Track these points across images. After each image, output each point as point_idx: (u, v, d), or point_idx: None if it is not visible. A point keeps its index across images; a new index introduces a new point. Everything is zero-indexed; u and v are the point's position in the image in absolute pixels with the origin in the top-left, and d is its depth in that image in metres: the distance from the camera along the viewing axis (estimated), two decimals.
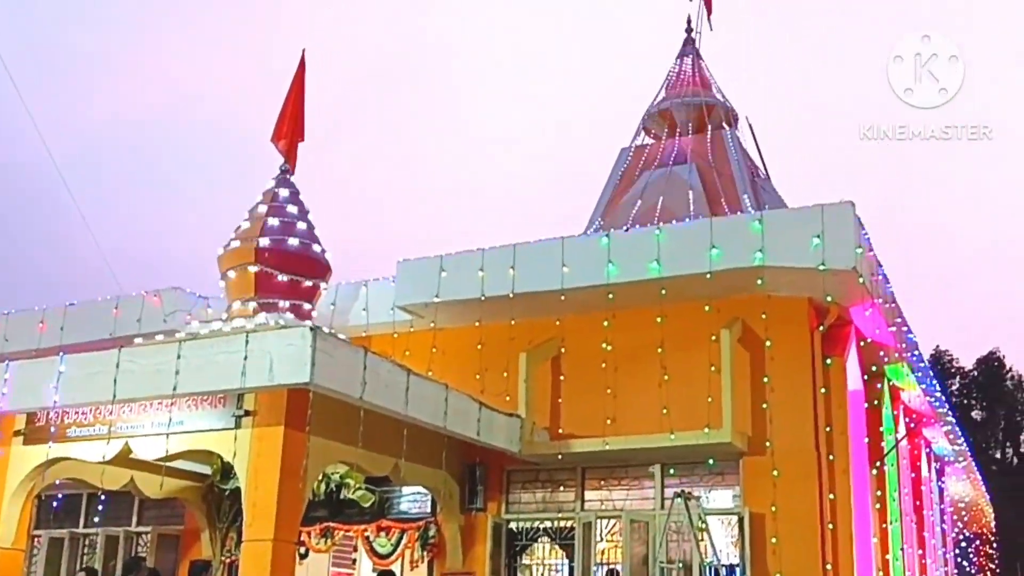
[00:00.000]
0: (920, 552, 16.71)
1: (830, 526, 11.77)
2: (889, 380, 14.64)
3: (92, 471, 12.16)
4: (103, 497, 14.89)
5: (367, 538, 13.72)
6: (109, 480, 12.73)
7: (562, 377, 13.23)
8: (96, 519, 15.33)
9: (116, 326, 14.92)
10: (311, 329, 9.90)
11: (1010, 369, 41.69)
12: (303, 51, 13.76)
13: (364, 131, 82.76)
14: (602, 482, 13.07)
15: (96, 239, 15.56)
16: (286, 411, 10.24)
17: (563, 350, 13.25)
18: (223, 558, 13.33)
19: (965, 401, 40.98)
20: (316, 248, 13.10)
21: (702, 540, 11.80)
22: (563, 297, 12.58)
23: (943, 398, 17.46)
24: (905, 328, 13.92)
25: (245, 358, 9.80)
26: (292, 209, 13.05)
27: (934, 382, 16.55)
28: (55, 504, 15.52)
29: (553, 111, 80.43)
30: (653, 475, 12.71)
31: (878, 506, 13.34)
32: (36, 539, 15.55)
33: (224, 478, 12.71)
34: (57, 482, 13.04)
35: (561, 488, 13.23)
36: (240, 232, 13.03)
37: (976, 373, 41.44)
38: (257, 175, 13.67)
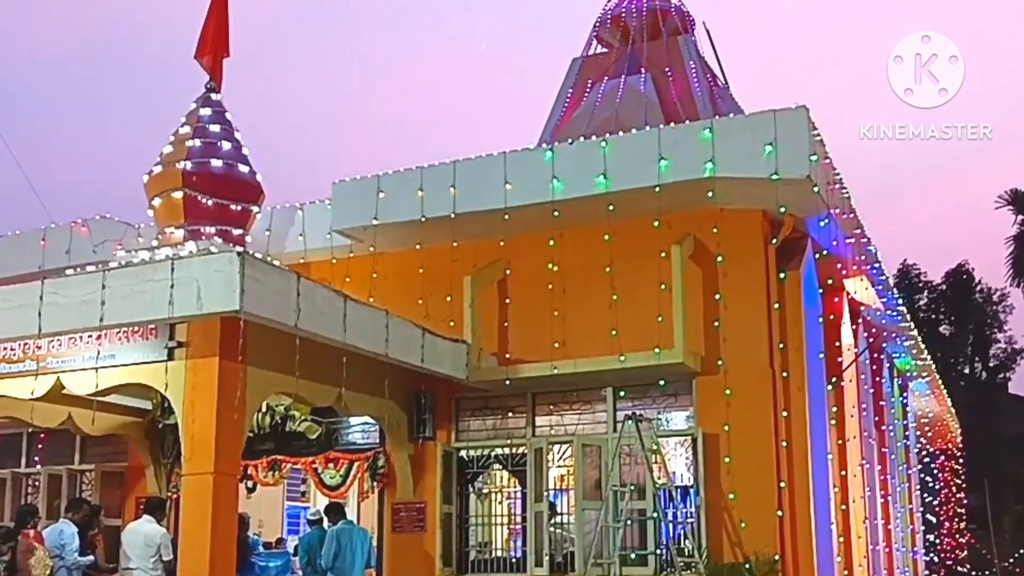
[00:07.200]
0: (880, 468, 16.61)
1: (784, 444, 11.48)
2: (848, 294, 14.28)
3: (25, 408, 11.73)
4: (43, 435, 14.61)
5: (315, 470, 13.36)
6: (45, 417, 12.34)
7: (508, 300, 12.75)
8: (37, 458, 15.02)
9: (45, 259, 14.27)
10: (238, 254, 9.42)
11: (979, 282, 41.41)
12: None
13: (298, 48, 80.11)
14: (552, 407, 12.70)
15: (21, 168, 14.79)
16: (220, 341, 9.79)
17: (508, 272, 12.74)
18: (169, 493, 13.11)
19: (933, 316, 40.81)
20: (243, 169, 12.48)
21: (655, 462, 11.52)
22: (507, 216, 12.04)
23: (906, 312, 17.18)
24: (864, 239, 13.50)
25: (172, 286, 9.33)
26: (215, 129, 12.37)
27: (896, 296, 16.24)
28: None
29: (500, 18, 77.94)
30: (605, 398, 12.36)
31: (834, 423, 13.07)
32: None
33: (165, 413, 12.36)
34: None
35: (511, 414, 12.85)
36: (164, 156, 12.41)
37: (944, 287, 41.21)
38: (182, 94, 12.98)
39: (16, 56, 71.30)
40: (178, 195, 12.12)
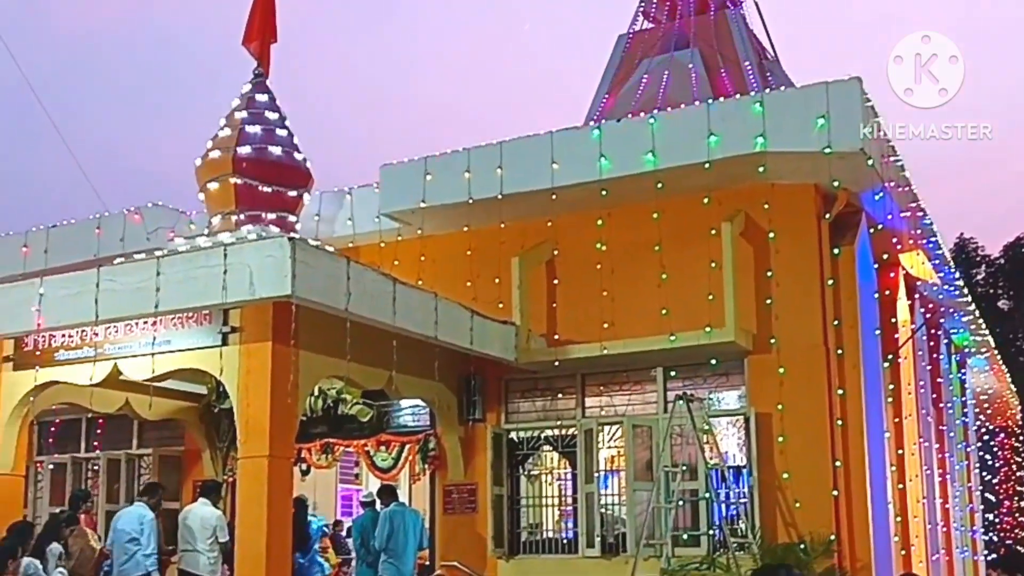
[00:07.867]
0: (937, 446, 16.29)
1: (839, 423, 11.30)
2: (904, 269, 13.98)
3: (84, 394, 11.98)
4: (101, 421, 14.89)
5: (367, 453, 13.47)
6: (103, 403, 12.60)
7: (556, 281, 12.67)
8: (96, 443, 15.32)
9: (100, 246, 14.53)
10: (289, 239, 9.54)
11: None
12: None
13: (343, 32, 79.97)
14: (602, 388, 12.63)
15: (75, 157, 15.03)
16: (272, 326, 9.93)
17: (556, 252, 12.67)
18: (225, 477, 13.27)
19: (991, 291, 39.83)
20: (293, 154, 12.55)
21: (707, 442, 11.42)
22: (554, 196, 11.96)
23: (963, 287, 16.80)
24: (920, 213, 13.19)
25: (225, 272, 9.48)
26: (272, 116, 12.45)
27: (953, 270, 15.87)
28: (53, 429, 15.44)
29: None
30: (655, 378, 12.26)
31: (891, 400, 12.82)
32: (39, 465, 15.51)
33: (220, 397, 12.51)
34: (54, 407, 12.91)
35: (560, 395, 12.81)
36: (218, 140, 12.48)
37: (1003, 261, 40.20)
38: (226, 82, 13.04)
39: (69, 45, 72.53)
40: (229, 181, 12.21)
